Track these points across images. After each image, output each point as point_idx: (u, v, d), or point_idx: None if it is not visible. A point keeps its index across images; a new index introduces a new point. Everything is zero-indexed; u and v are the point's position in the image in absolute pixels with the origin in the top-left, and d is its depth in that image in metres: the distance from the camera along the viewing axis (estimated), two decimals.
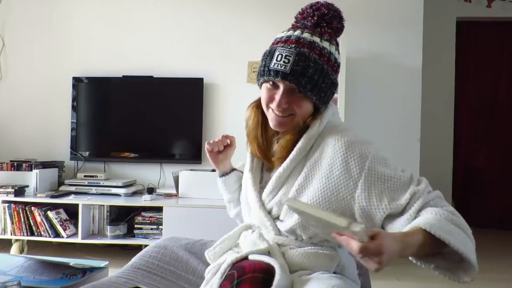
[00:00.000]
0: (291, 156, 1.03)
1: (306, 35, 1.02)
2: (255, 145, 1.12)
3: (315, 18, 1.04)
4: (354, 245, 0.72)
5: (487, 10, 4.12)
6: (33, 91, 3.40)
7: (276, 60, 0.99)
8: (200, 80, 3.17)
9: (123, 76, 3.24)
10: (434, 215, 0.91)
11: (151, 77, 3.21)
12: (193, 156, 3.16)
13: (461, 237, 0.91)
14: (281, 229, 1.04)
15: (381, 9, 3.19)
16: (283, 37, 1.04)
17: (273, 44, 1.06)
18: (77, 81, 3.25)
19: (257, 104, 1.14)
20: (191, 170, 3.01)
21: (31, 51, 3.42)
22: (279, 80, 1.00)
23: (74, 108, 3.24)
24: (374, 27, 3.18)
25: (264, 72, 1.03)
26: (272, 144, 1.12)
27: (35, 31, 3.42)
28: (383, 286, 2.45)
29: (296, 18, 1.09)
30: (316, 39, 1.01)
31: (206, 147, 1.26)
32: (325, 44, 1.02)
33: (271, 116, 1.05)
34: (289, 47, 0.99)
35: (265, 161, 1.12)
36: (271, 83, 1.03)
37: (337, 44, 1.08)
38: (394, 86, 3.18)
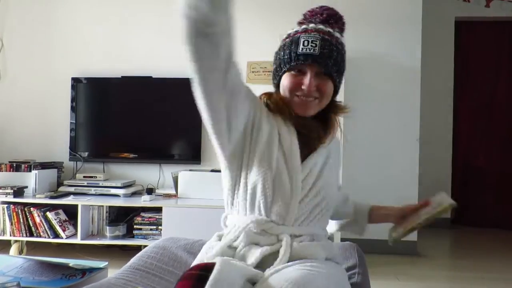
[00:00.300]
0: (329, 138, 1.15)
1: (321, 26, 1.09)
2: (306, 129, 1.10)
3: (324, 15, 1.12)
4: None
5: (485, 10, 4.12)
6: (32, 91, 3.40)
7: (303, 45, 1.04)
8: None
9: (122, 76, 3.24)
10: None
11: (150, 77, 3.21)
12: (193, 156, 3.15)
13: None
14: (299, 217, 1.02)
15: (380, 9, 3.19)
16: (298, 30, 1.09)
17: (288, 36, 1.10)
18: (76, 81, 3.24)
19: (274, 93, 1.14)
20: (190, 170, 3.01)
21: (30, 51, 3.42)
22: (309, 63, 1.04)
23: (73, 108, 3.24)
24: (373, 27, 3.18)
25: (292, 58, 1.05)
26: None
27: (34, 31, 3.42)
28: (382, 286, 2.45)
29: (304, 15, 1.15)
30: (331, 30, 1.09)
31: None
32: (338, 35, 1.11)
33: (298, 102, 1.07)
34: (312, 34, 1.05)
35: (308, 139, 1.10)
36: (296, 70, 1.06)
37: (344, 38, 1.15)
38: (393, 86, 3.18)
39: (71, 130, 3.24)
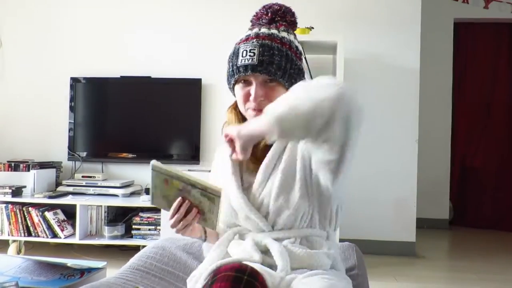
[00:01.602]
0: (275, 145, 1.05)
1: (263, 30, 1.06)
2: None
3: (269, 14, 1.09)
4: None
5: (484, 11, 4.13)
6: (31, 91, 3.39)
7: (242, 56, 1.03)
8: (198, 81, 3.17)
9: (121, 76, 3.24)
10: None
11: (149, 77, 3.21)
12: (191, 156, 3.15)
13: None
14: (275, 222, 1.02)
15: (379, 10, 3.20)
16: (242, 38, 1.08)
17: (234, 47, 1.09)
18: (74, 81, 3.24)
19: (234, 106, 1.15)
20: (189, 170, 3.00)
21: (28, 51, 3.41)
22: (249, 74, 1.02)
23: (71, 108, 3.24)
24: (372, 28, 3.19)
25: (234, 71, 1.05)
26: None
27: (33, 31, 3.41)
28: (381, 286, 2.45)
29: (251, 21, 1.14)
30: (274, 31, 1.06)
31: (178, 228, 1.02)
32: (284, 34, 1.07)
33: (251, 115, 1.05)
34: (251, 42, 1.03)
35: (249, 161, 1.08)
36: (242, 81, 1.06)
37: (295, 35, 1.12)
38: (392, 87, 3.18)
39: (69, 130, 3.23)
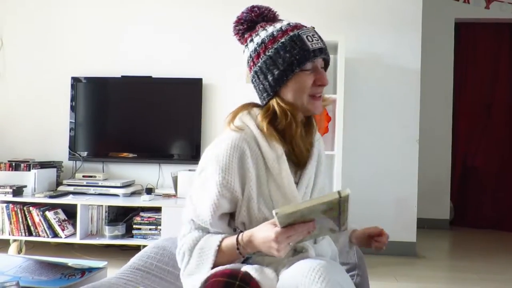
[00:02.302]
0: (317, 147, 1.13)
1: (292, 22, 1.07)
2: (298, 148, 1.07)
3: (273, 12, 1.11)
4: None
5: (485, 12, 4.13)
6: (32, 91, 3.39)
7: (309, 41, 1.01)
8: (199, 81, 3.17)
9: (122, 76, 3.24)
10: None
11: (150, 77, 3.21)
12: (192, 156, 3.15)
13: None
14: None
15: (380, 10, 3.19)
16: (281, 27, 1.04)
17: (274, 39, 1.02)
18: (75, 81, 3.24)
19: (269, 119, 1.04)
20: (189, 170, 3.01)
21: (29, 50, 3.41)
22: (323, 57, 1.04)
23: (72, 108, 3.24)
24: (373, 28, 3.19)
25: (305, 56, 1.00)
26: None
27: (33, 31, 3.41)
28: (381, 286, 2.45)
29: (240, 30, 1.16)
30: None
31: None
32: None
33: (314, 104, 1.05)
34: (305, 28, 1.04)
35: (299, 161, 1.08)
36: (310, 67, 1.02)
37: None
38: (393, 87, 3.18)
39: (70, 129, 3.23)
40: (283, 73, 1.01)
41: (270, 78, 1.02)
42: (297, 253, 0.99)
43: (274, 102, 1.03)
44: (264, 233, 0.89)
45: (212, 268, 0.95)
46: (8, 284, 1.17)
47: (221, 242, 0.97)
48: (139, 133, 3.25)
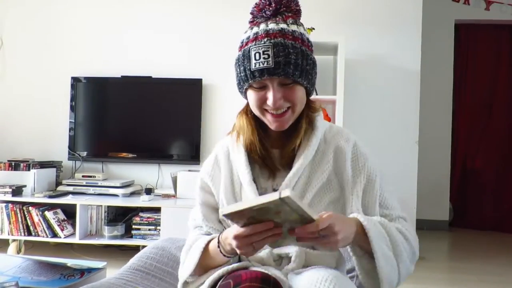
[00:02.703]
0: (307, 155, 1.02)
1: (272, 25, 0.97)
2: (256, 155, 1.05)
3: (273, 5, 1.00)
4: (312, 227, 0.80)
5: (485, 13, 4.13)
6: (31, 90, 3.39)
7: (255, 59, 0.95)
8: (199, 81, 3.17)
9: (121, 76, 3.24)
10: (381, 220, 0.99)
11: (150, 77, 3.21)
12: (191, 156, 3.15)
13: (387, 251, 0.94)
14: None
15: (380, 11, 3.20)
16: (249, 36, 0.99)
17: (241, 47, 1.01)
18: (75, 81, 3.24)
19: (246, 110, 1.08)
20: (189, 170, 3.01)
21: (29, 50, 3.41)
22: (266, 78, 0.95)
23: (72, 108, 3.24)
24: (373, 30, 3.19)
25: (247, 76, 0.97)
26: (270, 149, 1.07)
27: (33, 30, 3.41)
28: None
29: (252, 13, 1.04)
30: (283, 26, 0.98)
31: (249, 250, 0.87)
32: (293, 27, 0.99)
33: (269, 119, 1.00)
34: (262, 42, 0.95)
35: (268, 168, 1.06)
36: (257, 85, 0.98)
37: (303, 25, 1.04)
38: (393, 88, 3.18)
39: (70, 129, 3.23)
40: (238, 85, 1.04)
41: (236, 83, 1.06)
42: (282, 259, 0.99)
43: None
44: (228, 231, 0.91)
45: (197, 267, 0.98)
46: (7, 284, 1.17)
47: (209, 241, 1.00)
48: (138, 133, 3.25)
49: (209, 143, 3.17)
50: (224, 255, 0.94)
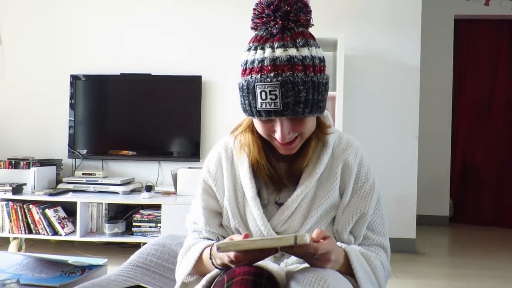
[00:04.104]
0: (316, 172, 0.99)
1: (279, 52, 0.87)
2: (263, 172, 1.01)
3: (279, 22, 0.88)
4: (311, 248, 0.79)
5: (485, 8, 4.12)
6: (31, 88, 3.39)
7: (261, 99, 0.87)
8: (198, 78, 3.17)
9: (121, 73, 3.23)
10: (363, 251, 0.98)
11: (149, 74, 3.20)
12: (191, 154, 3.15)
13: (368, 278, 0.94)
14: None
15: (380, 7, 3.19)
16: (253, 61, 0.89)
17: (244, 72, 0.91)
18: (74, 78, 3.24)
19: (251, 128, 1.01)
20: (189, 168, 3.01)
21: (28, 48, 3.40)
22: (273, 118, 0.90)
23: (71, 106, 3.24)
24: (372, 25, 3.18)
25: (253, 112, 0.90)
26: (277, 164, 1.04)
27: (32, 28, 3.40)
28: None
29: (254, 22, 0.93)
30: (292, 52, 0.87)
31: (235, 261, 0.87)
32: (304, 52, 0.88)
33: (277, 146, 0.95)
34: (269, 80, 0.86)
35: (274, 185, 1.03)
36: (263, 119, 0.92)
37: (313, 38, 0.94)
38: (392, 84, 3.18)
39: (70, 127, 3.23)
40: (243, 110, 0.96)
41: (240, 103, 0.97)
42: (282, 255, 0.99)
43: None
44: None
45: (192, 271, 0.99)
46: (8, 281, 1.18)
47: (203, 249, 0.99)
48: (138, 130, 3.25)
49: (209, 140, 3.17)
50: (216, 267, 0.93)
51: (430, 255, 3.13)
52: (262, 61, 0.87)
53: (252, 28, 0.95)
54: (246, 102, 0.91)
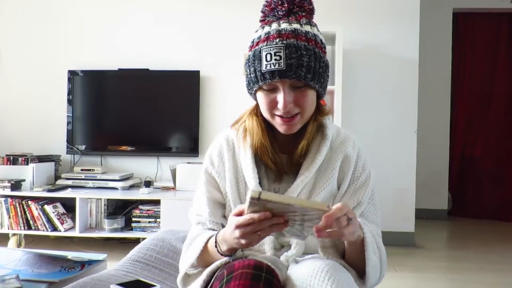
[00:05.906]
0: (316, 164, 1.00)
1: (284, 25, 0.94)
2: (267, 158, 1.03)
3: (285, 5, 0.97)
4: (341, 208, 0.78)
5: (483, 1, 4.12)
6: (28, 84, 3.38)
7: (266, 60, 0.92)
8: (197, 73, 3.16)
9: (118, 69, 3.22)
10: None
11: (147, 70, 3.19)
12: (190, 149, 3.15)
13: (375, 259, 0.95)
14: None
15: (378, 1, 3.18)
16: (260, 36, 0.96)
17: (252, 46, 0.98)
18: (72, 74, 3.22)
19: (255, 111, 1.06)
20: (188, 163, 3.01)
21: (26, 44, 3.39)
22: (277, 81, 0.92)
23: (69, 101, 3.23)
24: (371, 19, 3.17)
25: (258, 77, 0.94)
26: (279, 154, 1.05)
27: (30, 24, 3.38)
28: None
29: (263, 12, 1.01)
30: (297, 26, 0.95)
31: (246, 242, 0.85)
32: (307, 28, 0.96)
33: (278, 122, 0.98)
34: (274, 43, 0.92)
35: (275, 171, 1.04)
36: (267, 87, 0.95)
37: (316, 26, 1.01)
38: (391, 77, 3.17)
39: (68, 123, 3.22)
40: (248, 86, 1.01)
41: (246, 84, 1.02)
42: (282, 248, 1.00)
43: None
44: (224, 231, 0.90)
45: (198, 260, 0.99)
46: (8, 277, 1.18)
47: (208, 239, 0.99)
48: (137, 126, 3.24)
49: (207, 135, 3.17)
50: (222, 254, 0.94)
51: (429, 249, 3.14)
52: (268, 32, 0.95)
53: (260, 20, 1.01)
54: (252, 70, 0.95)
